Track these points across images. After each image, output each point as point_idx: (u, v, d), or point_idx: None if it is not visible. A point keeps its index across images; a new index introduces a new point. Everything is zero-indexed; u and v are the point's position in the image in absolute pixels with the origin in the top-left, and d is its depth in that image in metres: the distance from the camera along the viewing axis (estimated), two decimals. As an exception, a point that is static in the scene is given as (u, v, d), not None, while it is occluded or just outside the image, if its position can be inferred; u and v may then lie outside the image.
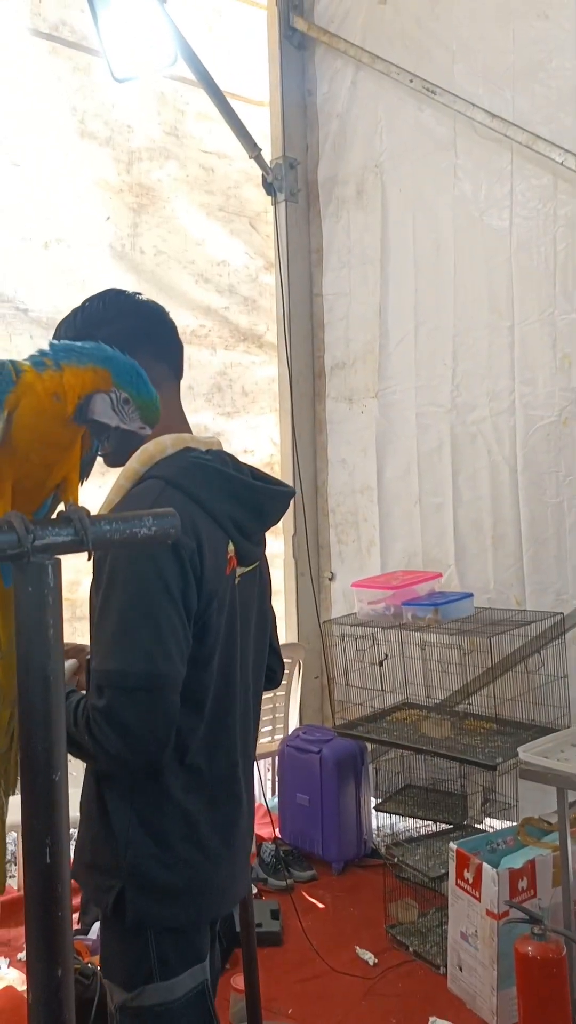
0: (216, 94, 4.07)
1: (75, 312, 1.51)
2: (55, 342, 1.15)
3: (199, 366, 4.10)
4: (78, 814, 1.48)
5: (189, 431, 1.55)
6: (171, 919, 1.42)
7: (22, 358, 1.07)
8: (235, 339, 4.34)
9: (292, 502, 4.26)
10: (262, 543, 1.62)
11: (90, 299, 1.52)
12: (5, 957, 2.93)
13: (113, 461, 1.51)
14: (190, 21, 4.14)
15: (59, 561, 0.92)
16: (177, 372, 1.57)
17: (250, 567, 1.55)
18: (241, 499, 1.46)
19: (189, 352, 4.04)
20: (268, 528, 1.57)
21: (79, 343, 1.13)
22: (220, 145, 4.30)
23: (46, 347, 1.11)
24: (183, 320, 3.97)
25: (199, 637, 1.40)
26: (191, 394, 3.99)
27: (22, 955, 2.96)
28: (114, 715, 1.29)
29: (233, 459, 1.53)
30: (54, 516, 1.02)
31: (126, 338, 1.32)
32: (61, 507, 1.17)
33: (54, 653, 0.90)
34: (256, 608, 1.60)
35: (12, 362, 1.05)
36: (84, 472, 1.18)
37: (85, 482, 1.21)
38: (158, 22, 3.50)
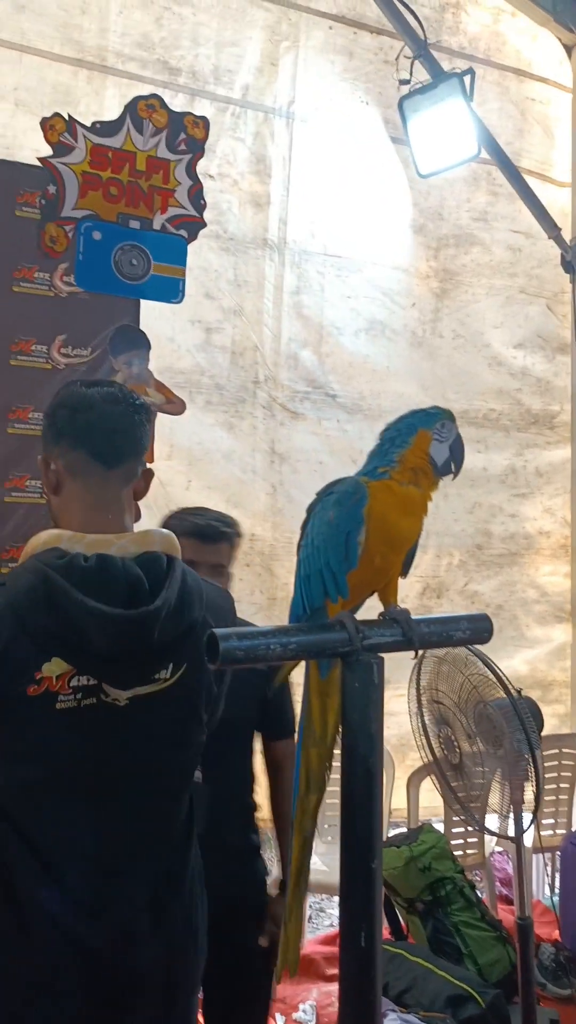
0: (516, 179, 4.13)
1: None
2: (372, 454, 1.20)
3: (494, 448, 4.10)
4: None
5: (105, 522, 1.33)
6: None
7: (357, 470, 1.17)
8: (527, 421, 4.29)
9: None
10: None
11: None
12: (282, 1015, 3.01)
13: None
14: (496, 109, 4.26)
15: (383, 660, 1.00)
16: (105, 460, 1.34)
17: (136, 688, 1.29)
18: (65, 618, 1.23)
19: (483, 435, 4.04)
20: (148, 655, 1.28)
21: (386, 436, 1.19)
22: (520, 229, 4.34)
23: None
24: (476, 403, 4.04)
25: None
26: (484, 475, 4.02)
27: (297, 1014, 3.03)
28: None
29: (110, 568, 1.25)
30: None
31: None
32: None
33: (376, 746, 0.98)
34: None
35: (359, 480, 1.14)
36: (404, 570, 1.24)
37: None
38: (463, 119, 3.65)
